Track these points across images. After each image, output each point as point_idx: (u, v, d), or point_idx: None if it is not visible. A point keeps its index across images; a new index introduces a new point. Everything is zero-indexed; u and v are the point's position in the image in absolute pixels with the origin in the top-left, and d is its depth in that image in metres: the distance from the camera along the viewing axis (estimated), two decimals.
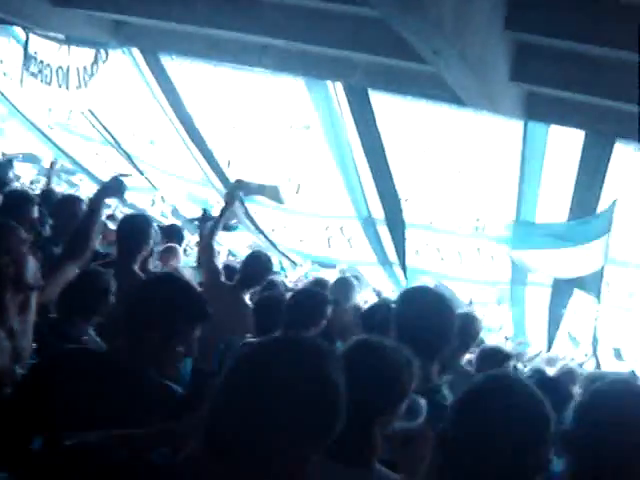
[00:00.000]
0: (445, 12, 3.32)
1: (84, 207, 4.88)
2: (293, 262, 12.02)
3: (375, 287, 11.13)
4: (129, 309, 2.60)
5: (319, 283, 7.05)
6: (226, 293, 5.79)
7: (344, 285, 6.67)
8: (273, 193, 8.29)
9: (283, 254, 11.65)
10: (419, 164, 9.98)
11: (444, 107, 6.62)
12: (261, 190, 8.18)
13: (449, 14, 3.37)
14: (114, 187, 4.39)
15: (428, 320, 3.04)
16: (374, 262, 10.77)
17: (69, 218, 4.88)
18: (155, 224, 5.75)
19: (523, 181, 7.65)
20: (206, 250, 6.20)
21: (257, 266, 6.01)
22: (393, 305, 3.52)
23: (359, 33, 5.53)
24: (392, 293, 10.38)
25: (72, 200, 5.71)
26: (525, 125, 6.78)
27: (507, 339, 10.97)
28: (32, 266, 3.20)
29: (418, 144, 9.84)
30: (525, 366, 8.53)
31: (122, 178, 4.49)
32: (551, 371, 7.20)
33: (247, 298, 5.94)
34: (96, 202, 4.29)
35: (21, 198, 5.19)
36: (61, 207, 5.46)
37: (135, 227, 4.96)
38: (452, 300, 3.59)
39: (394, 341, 2.65)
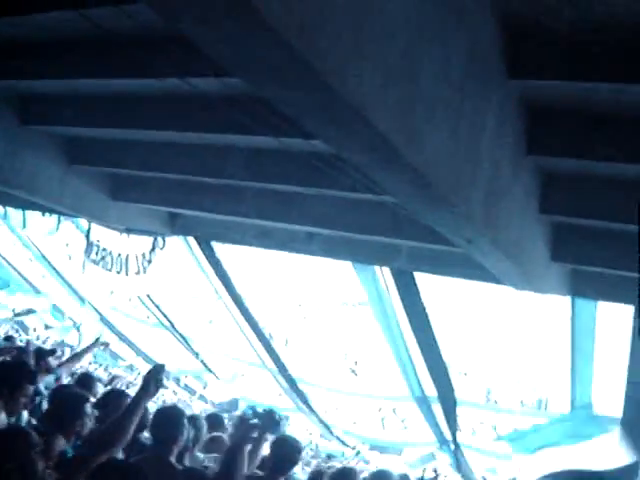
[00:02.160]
0: (474, 205, 3.46)
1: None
2: (345, 444, 11.81)
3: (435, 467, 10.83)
4: None
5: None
6: None
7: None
8: None
9: (338, 438, 11.48)
10: (471, 338, 9.96)
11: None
12: None
13: (478, 207, 3.52)
14: (150, 383, 4.36)
15: None
16: (430, 442, 10.52)
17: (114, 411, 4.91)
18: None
19: (575, 355, 7.57)
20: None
21: (287, 449, 5.41)
22: None
23: (399, 221, 5.74)
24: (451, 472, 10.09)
25: (119, 394, 5.81)
26: (572, 299, 6.79)
27: None
28: (41, 470, 3.19)
29: (467, 318, 9.86)
30: None
31: (160, 366, 4.50)
32: None
33: None
34: (136, 402, 4.22)
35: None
36: (108, 400, 5.55)
37: (169, 418, 4.97)
38: None
39: None
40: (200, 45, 2.09)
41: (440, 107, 2.84)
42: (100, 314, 13.10)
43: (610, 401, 8.09)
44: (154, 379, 4.23)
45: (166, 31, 4.07)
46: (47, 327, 15.30)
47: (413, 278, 7.31)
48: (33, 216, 11.44)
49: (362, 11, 2.22)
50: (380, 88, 2.39)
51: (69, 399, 4.91)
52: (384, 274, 7.60)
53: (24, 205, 9.14)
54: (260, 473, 5.38)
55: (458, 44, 2.92)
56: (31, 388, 4.92)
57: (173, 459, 4.74)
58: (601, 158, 4.05)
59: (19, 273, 14.36)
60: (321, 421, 10.99)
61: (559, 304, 7.27)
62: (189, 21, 1.93)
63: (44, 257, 12.83)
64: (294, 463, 5.45)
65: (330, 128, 2.59)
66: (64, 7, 3.89)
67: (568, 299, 6.78)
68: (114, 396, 5.74)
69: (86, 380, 6.72)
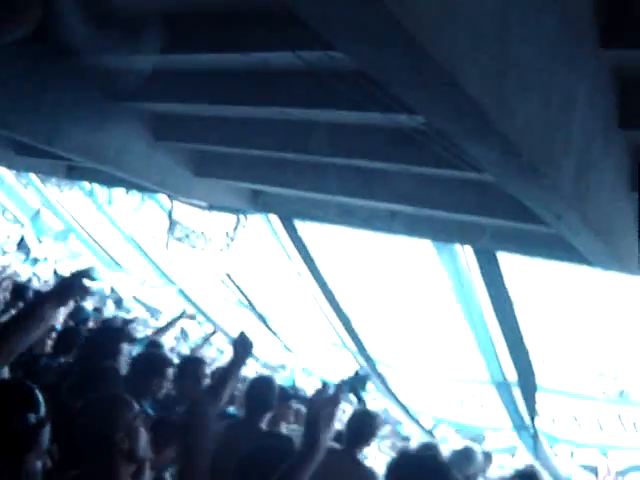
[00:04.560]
0: (565, 178, 3.37)
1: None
2: (423, 428, 11.76)
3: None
4: None
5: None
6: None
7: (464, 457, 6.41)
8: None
9: (414, 419, 11.45)
10: (553, 324, 9.76)
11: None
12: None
13: (569, 180, 3.43)
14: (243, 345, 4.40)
15: None
16: (508, 427, 10.39)
17: (194, 380, 5.02)
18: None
19: None
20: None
21: (366, 421, 5.55)
22: None
23: (484, 198, 5.66)
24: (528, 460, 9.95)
25: (197, 362, 5.92)
26: None
27: None
28: (144, 439, 3.28)
29: (550, 301, 9.66)
30: None
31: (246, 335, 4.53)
32: None
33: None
34: (234, 365, 4.26)
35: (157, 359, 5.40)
36: (186, 369, 5.67)
37: (261, 388, 5.08)
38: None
39: None
40: (294, 9, 2.09)
41: (532, 73, 2.76)
42: (183, 292, 13.37)
43: None
44: (242, 347, 4.27)
45: (251, 5, 4.12)
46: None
47: (496, 259, 7.20)
48: (117, 194, 11.74)
49: None
50: (472, 51, 2.34)
51: (153, 359, 5.09)
52: (466, 256, 7.52)
53: (110, 182, 9.36)
54: (337, 446, 5.39)
55: (551, 10, 2.83)
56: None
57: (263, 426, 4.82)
58: None
59: (105, 251, 14.75)
60: (399, 403, 10.98)
61: None
62: None
63: (129, 235, 13.15)
64: (373, 436, 5.47)
65: (421, 94, 2.55)
66: None
67: None
68: (191, 363, 5.86)
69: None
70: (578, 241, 4.54)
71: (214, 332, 10.99)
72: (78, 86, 6.09)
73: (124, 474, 3.14)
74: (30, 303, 4.48)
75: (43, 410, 3.02)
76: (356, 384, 4.20)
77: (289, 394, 6.28)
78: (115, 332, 6.51)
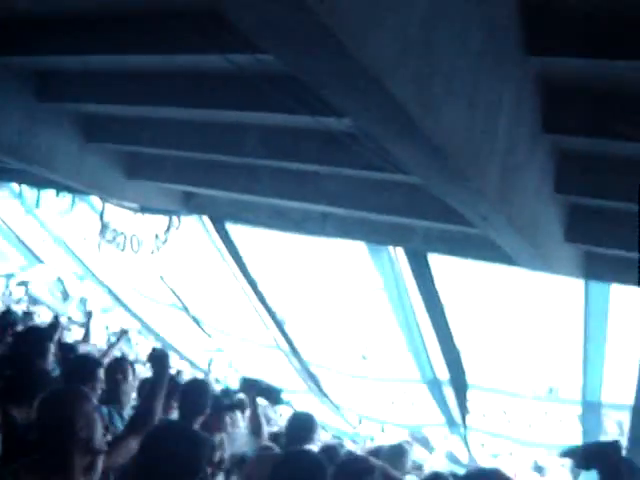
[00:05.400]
0: (490, 181, 3.47)
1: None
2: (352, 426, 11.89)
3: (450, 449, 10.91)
4: None
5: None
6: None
7: (398, 452, 6.53)
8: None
9: (346, 419, 11.55)
10: (482, 322, 9.93)
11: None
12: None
13: (494, 183, 3.52)
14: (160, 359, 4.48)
15: None
16: (440, 423, 10.58)
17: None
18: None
19: (588, 340, 7.57)
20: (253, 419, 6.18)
21: (302, 426, 5.61)
22: None
23: (414, 200, 5.76)
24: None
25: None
26: (586, 283, 6.78)
27: None
28: (100, 431, 3.36)
29: (479, 301, 9.83)
30: None
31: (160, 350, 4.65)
32: None
33: None
34: (157, 381, 4.35)
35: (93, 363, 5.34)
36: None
37: (195, 391, 5.07)
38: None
39: None
40: (225, 13, 2.11)
41: (458, 79, 2.84)
42: (113, 293, 13.20)
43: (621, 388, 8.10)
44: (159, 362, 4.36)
45: (179, 5, 4.11)
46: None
47: (427, 261, 7.32)
48: (46, 197, 11.49)
49: None
50: (399, 56, 2.39)
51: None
52: (398, 258, 7.63)
53: (40, 184, 9.19)
54: (276, 448, 5.46)
55: (477, 17, 2.91)
56: None
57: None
58: (618, 137, 4.03)
59: (30, 250, 14.48)
60: (332, 402, 11.07)
61: (571, 288, 7.26)
62: None
63: (59, 238, 12.91)
64: (311, 437, 5.53)
65: (349, 97, 2.60)
66: None
67: (581, 282, 6.78)
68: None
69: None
70: (504, 241, 4.66)
71: (126, 331, 10.73)
72: (6, 86, 5.99)
73: (78, 464, 3.20)
74: None
75: None
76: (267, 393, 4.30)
77: (224, 405, 6.19)
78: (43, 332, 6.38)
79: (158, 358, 4.42)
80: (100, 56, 5.01)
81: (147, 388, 4.55)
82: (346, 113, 2.89)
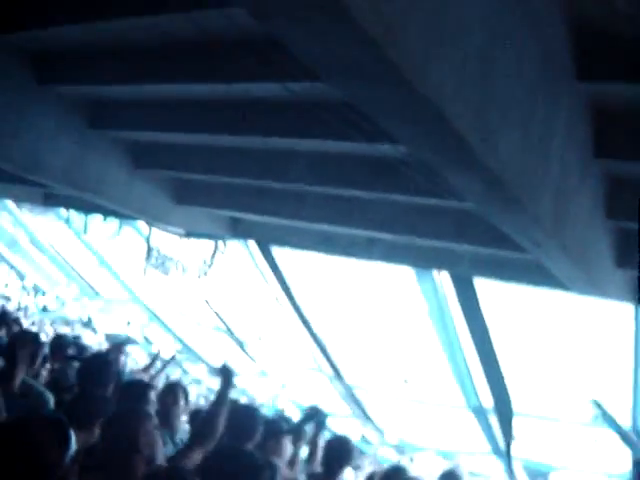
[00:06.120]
0: (544, 208, 3.47)
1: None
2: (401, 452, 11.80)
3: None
4: None
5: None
6: None
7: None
8: None
9: (392, 445, 11.47)
10: (530, 348, 9.83)
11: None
12: None
13: (548, 210, 3.52)
14: (227, 374, 4.52)
15: None
16: (486, 451, 10.46)
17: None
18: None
19: (638, 367, 7.46)
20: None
21: (341, 450, 5.51)
22: None
23: (463, 226, 5.76)
24: None
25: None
26: (636, 308, 6.70)
27: None
28: (162, 449, 3.51)
29: (527, 327, 9.73)
30: None
31: (229, 365, 4.65)
32: None
33: None
34: (222, 395, 4.40)
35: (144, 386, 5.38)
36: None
37: (244, 415, 5.07)
38: None
39: None
40: (287, 43, 2.16)
41: (513, 108, 2.86)
42: (158, 317, 13.32)
43: None
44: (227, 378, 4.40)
45: (234, 36, 4.18)
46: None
47: (473, 285, 7.30)
48: (94, 221, 11.66)
49: (443, 12, 2.26)
50: (458, 87, 2.43)
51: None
52: (444, 283, 7.61)
53: (88, 209, 9.35)
54: (319, 470, 5.46)
55: (531, 46, 2.94)
56: None
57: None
58: None
59: (82, 278, 14.67)
60: (376, 428, 11.02)
61: (621, 313, 7.17)
62: (280, 19, 2.00)
63: (106, 262, 13.10)
64: (349, 460, 5.50)
65: (408, 127, 2.63)
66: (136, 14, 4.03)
67: (631, 309, 6.70)
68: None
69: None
70: (556, 267, 4.63)
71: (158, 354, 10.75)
72: (59, 114, 6.13)
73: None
74: None
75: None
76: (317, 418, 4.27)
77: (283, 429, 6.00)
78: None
79: (226, 373, 4.46)
80: (152, 85, 5.11)
81: (212, 402, 4.57)
82: (404, 142, 2.92)
